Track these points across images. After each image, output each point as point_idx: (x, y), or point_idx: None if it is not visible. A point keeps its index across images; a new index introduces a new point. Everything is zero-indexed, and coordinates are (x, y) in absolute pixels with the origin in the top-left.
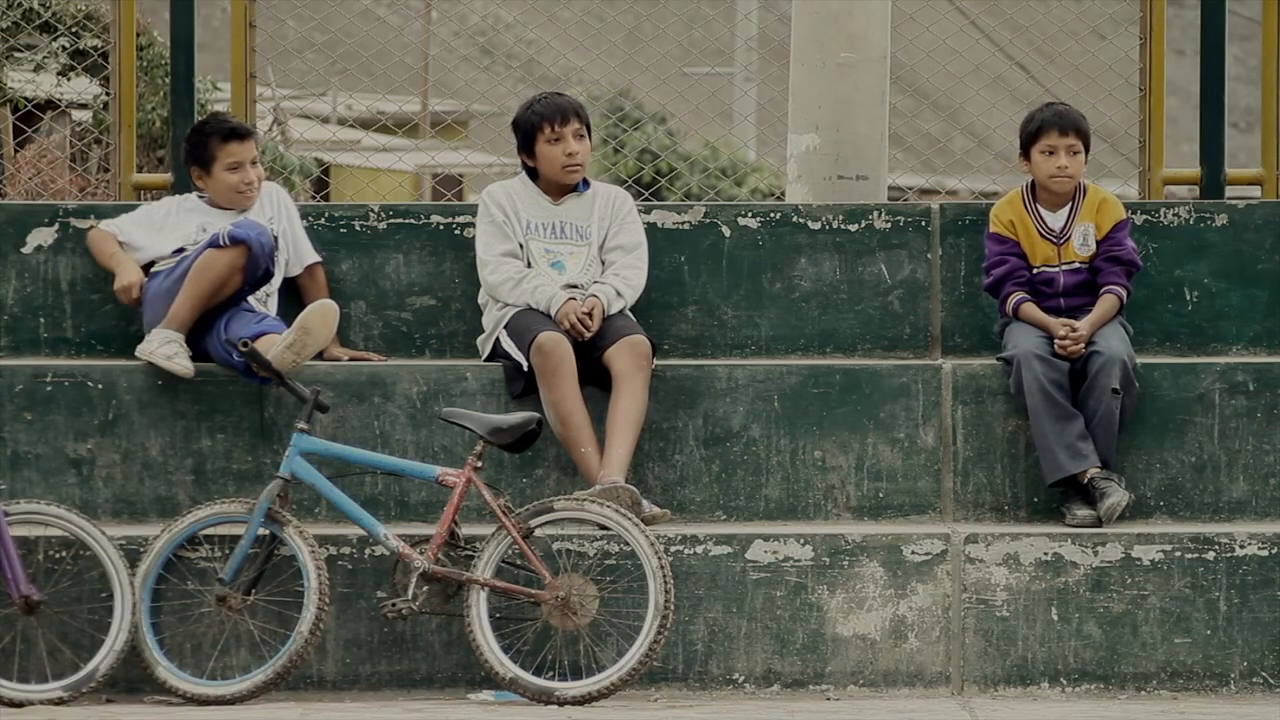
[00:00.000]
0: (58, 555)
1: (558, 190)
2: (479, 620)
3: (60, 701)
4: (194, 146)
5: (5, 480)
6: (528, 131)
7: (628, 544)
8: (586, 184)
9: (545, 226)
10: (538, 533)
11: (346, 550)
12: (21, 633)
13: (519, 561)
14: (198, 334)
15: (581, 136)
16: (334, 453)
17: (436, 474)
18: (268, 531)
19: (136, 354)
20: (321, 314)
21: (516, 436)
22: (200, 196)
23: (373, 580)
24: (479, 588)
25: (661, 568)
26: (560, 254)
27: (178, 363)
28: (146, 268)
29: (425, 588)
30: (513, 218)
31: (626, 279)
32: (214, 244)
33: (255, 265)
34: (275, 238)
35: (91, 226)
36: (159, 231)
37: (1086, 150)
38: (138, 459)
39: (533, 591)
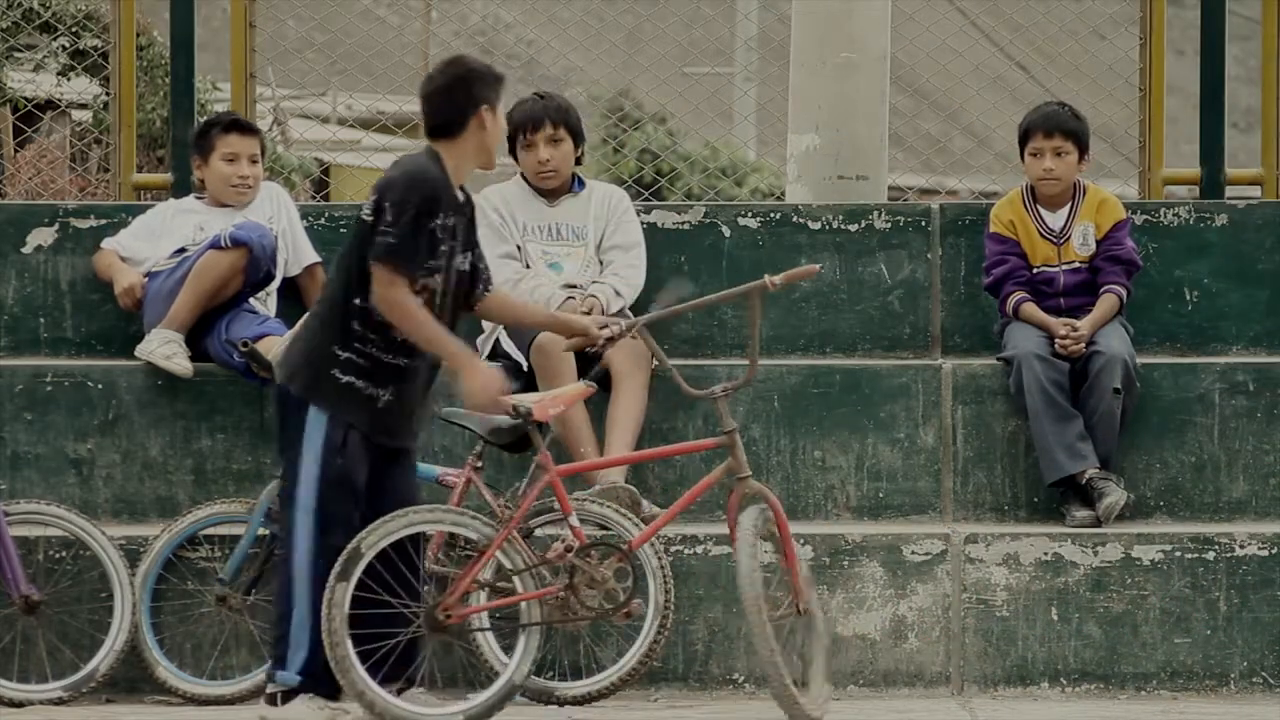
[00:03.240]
0: (58, 555)
1: (551, 192)
2: (478, 619)
3: (60, 701)
4: (198, 136)
5: (5, 480)
6: (509, 137)
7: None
8: (582, 184)
9: (542, 228)
10: (537, 533)
11: None
12: (21, 633)
13: None
14: (198, 334)
15: (558, 141)
16: None
17: (437, 474)
18: (268, 531)
19: (136, 354)
20: None
21: (516, 436)
22: (198, 197)
23: None
24: (479, 587)
25: (661, 568)
26: (557, 255)
27: (176, 362)
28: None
29: (425, 587)
30: (509, 220)
31: (625, 278)
32: (215, 245)
33: (256, 267)
34: (275, 238)
35: (91, 226)
36: (159, 239)
37: (1083, 150)
38: (138, 459)
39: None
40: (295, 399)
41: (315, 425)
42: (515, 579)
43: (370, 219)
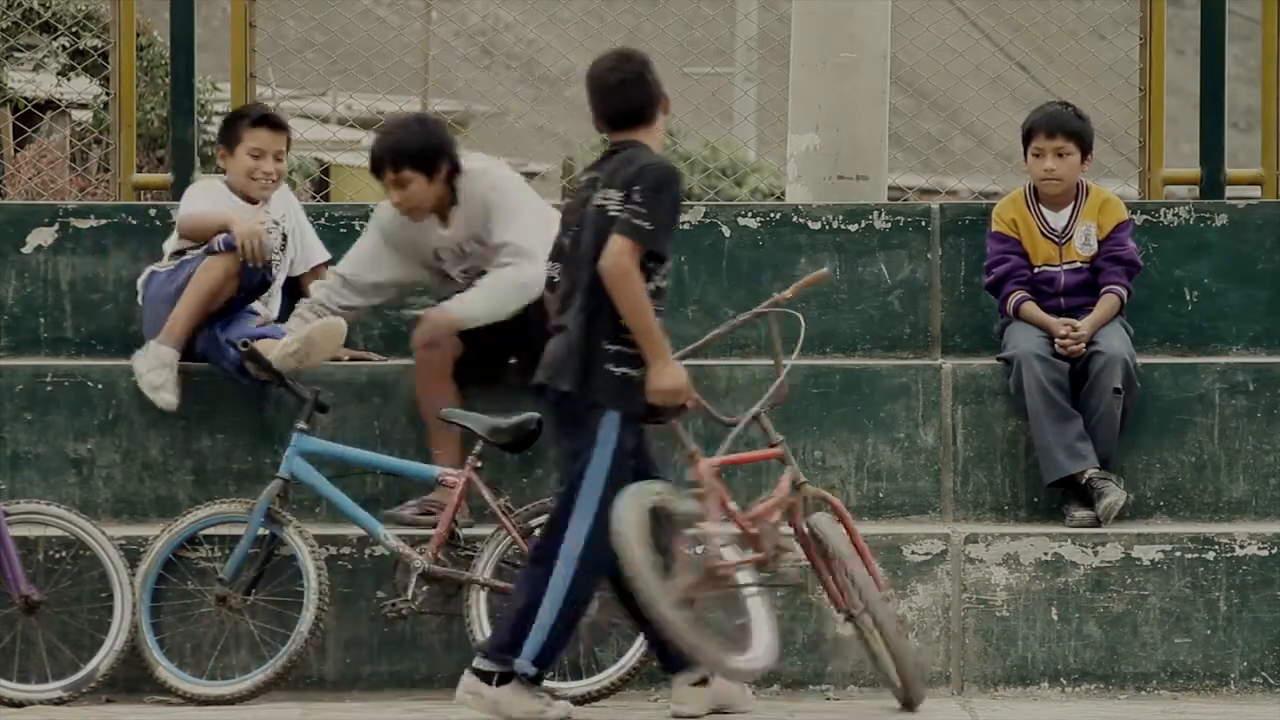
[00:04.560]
0: (58, 555)
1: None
2: (479, 620)
3: (60, 701)
4: (226, 125)
5: (5, 480)
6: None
7: None
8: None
9: (449, 251)
10: (538, 532)
11: (346, 550)
12: (21, 633)
13: (519, 562)
14: (195, 335)
15: (403, 183)
16: (334, 453)
17: (437, 474)
18: (268, 531)
19: (131, 363)
20: (329, 333)
21: (516, 436)
22: (225, 182)
23: (373, 580)
24: (479, 588)
25: None
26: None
27: (162, 396)
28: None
29: (425, 588)
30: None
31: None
32: (210, 250)
33: (251, 271)
34: (285, 236)
35: (91, 226)
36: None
37: (1085, 151)
38: (138, 459)
39: None
40: (583, 405)
41: (608, 429)
42: (724, 551)
43: (619, 211)
